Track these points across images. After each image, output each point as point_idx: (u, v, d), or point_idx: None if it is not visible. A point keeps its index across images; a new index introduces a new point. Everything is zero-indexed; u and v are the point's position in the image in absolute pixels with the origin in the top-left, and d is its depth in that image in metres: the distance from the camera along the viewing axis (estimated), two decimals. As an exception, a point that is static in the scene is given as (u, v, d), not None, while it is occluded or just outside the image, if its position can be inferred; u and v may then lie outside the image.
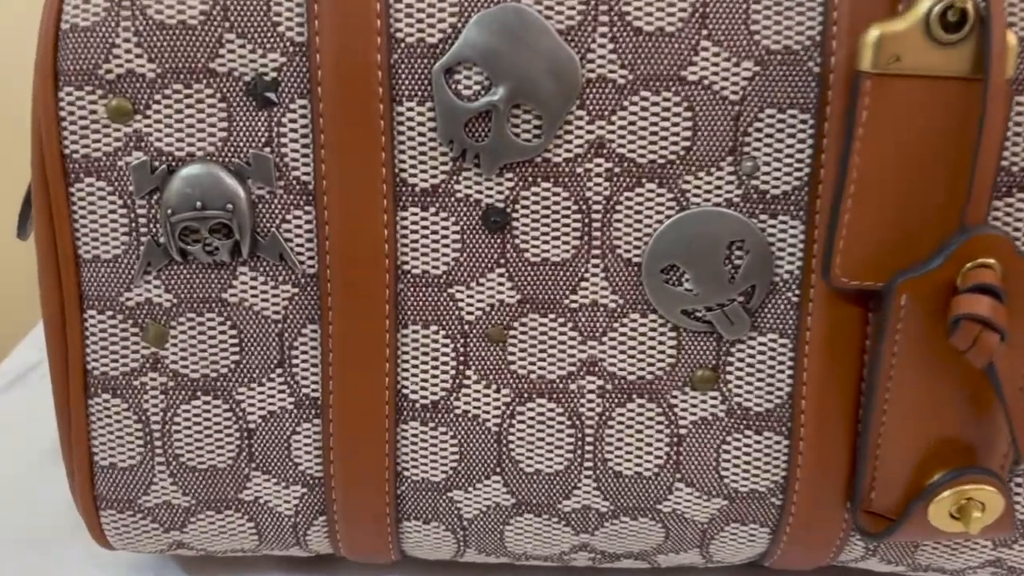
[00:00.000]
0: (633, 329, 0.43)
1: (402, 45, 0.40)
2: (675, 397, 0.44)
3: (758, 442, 0.44)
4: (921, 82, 0.37)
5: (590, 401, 0.44)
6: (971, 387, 0.39)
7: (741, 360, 0.43)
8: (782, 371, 0.43)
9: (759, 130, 0.40)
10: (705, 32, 0.40)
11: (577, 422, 0.44)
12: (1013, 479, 0.43)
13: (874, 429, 0.40)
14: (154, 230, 0.42)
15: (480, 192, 0.41)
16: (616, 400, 0.43)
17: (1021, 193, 0.40)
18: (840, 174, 0.39)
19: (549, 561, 0.47)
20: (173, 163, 0.41)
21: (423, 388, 0.43)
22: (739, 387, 0.43)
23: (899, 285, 0.37)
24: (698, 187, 0.41)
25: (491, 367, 0.43)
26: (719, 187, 0.41)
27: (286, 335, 0.43)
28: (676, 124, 0.40)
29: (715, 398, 0.43)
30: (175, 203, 0.41)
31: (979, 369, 0.38)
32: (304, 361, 0.43)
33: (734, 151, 0.41)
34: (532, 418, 0.44)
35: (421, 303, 0.43)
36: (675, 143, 0.41)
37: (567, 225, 0.42)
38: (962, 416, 0.40)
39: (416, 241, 0.42)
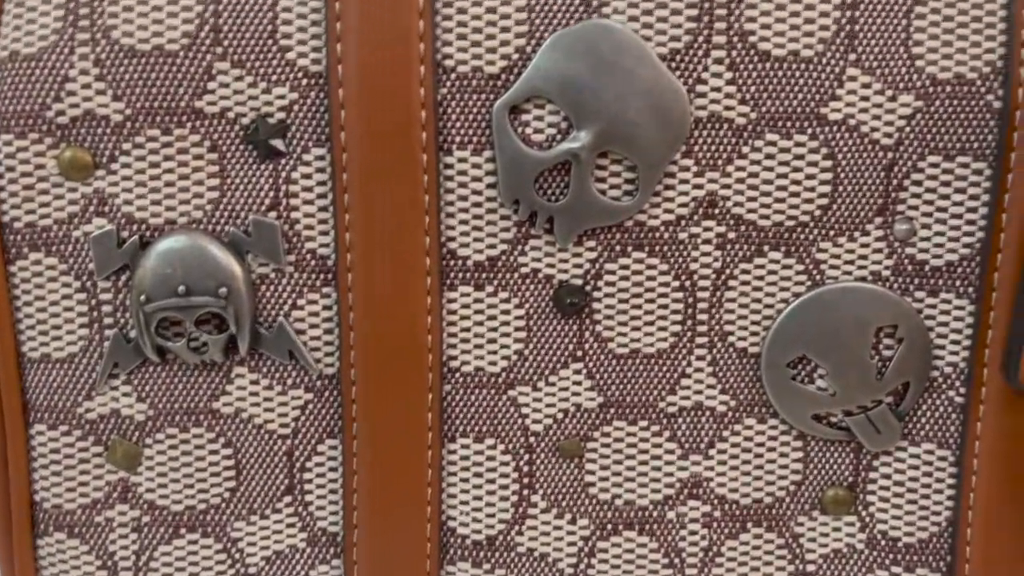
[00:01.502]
0: (748, 439, 0.33)
1: (453, 76, 0.30)
2: (801, 525, 0.34)
3: (909, 582, 0.34)
4: None
5: (693, 533, 0.34)
6: None
7: (887, 477, 0.34)
8: (940, 491, 0.33)
9: (918, 183, 0.31)
10: (853, 57, 0.30)
11: (676, 560, 0.34)
12: None
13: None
14: (122, 321, 0.32)
15: (552, 266, 0.32)
16: (726, 531, 0.34)
17: None
18: (1033, 241, 0.30)
19: None
20: (147, 234, 0.31)
21: (476, 520, 0.34)
22: (884, 511, 0.34)
23: None
24: (837, 256, 0.32)
25: (564, 491, 0.34)
26: (864, 256, 0.32)
27: (297, 454, 0.33)
28: (812, 176, 0.31)
29: (852, 525, 0.34)
30: (150, 287, 0.31)
31: None
32: (320, 487, 0.34)
33: (885, 210, 0.31)
34: (618, 556, 0.34)
35: (474, 410, 0.33)
36: (809, 200, 0.31)
37: (665, 307, 0.32)
38: None
39: (468, 330, 0.32)
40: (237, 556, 0.34)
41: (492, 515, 0.34)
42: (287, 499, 0.34)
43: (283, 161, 0.31)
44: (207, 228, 0.31)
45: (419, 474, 0.33)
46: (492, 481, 0.34)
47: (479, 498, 0.34)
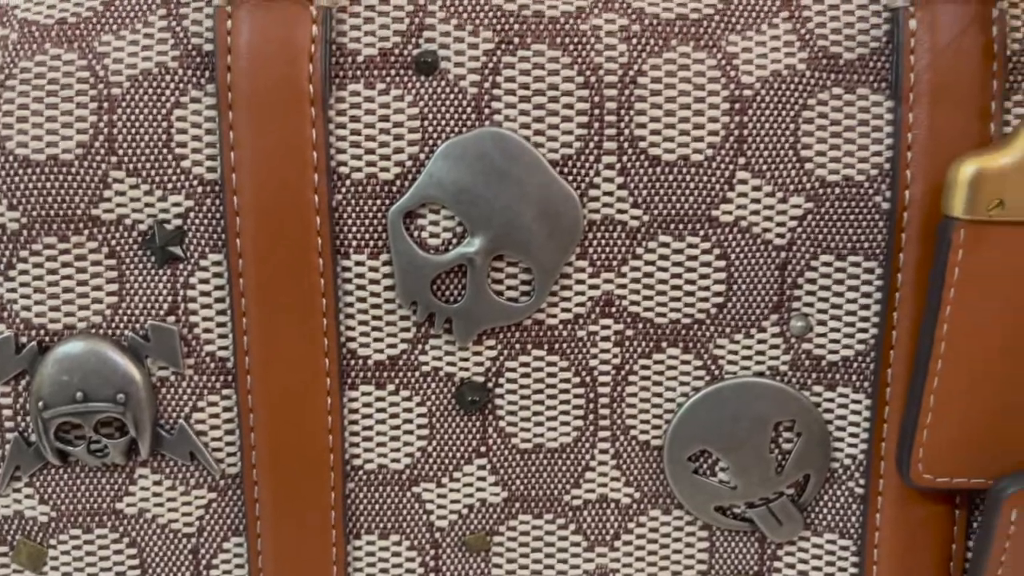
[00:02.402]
0: (653, 530, 0.34)
1: (347, 182, 0.31)
2: (707, 614, 0.34)
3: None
4: (1034, 231, 0.28)
5: (600, 624, 0.34)
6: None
7: (791, 567, 0.34)
8: (844, 580, 0.34)
9: (812, 281, 0.32)
10: (743, 160, 0.31)
11: (583, 652, 0.34)
12: None
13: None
14: (22, 425, 0.32)
15: (453, 364, 0.32)
16: (633, 621, 0.34)
17: None
18: (922, 341, 0.30)
19: None
20: (45, 339, 0.31)
21: (383, 615, 0.34)
22: (789, 600, 0.34)
23: (1008, 497, 0.29)
24: (734, 352, 0.32)
25: (471, 585, 0.34)
26: (762, 352, 0.32)
27: (202, 552, 0.33)
28: (706, 276, 0.32)
29: (758, 614, 0.34)
30: (48, 393, 0.31)
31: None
32: (227, 583, 0.34)
33: (780, 307, 0.32)
34: (525, 648, 0.34)
35: (378, 507, 0.33)
36: (704, 299, 0.32)
37: (567, 402, 0.33)
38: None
39: (371, 428, 0.33)
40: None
41: (399, 610, 0.34)
42: (194, 596, 0.34)
43: (181, 266, 0.31)
44: (106, 333, 0.32)
45: (324, 571, 0.33)
46: (398, 576, 0.34)
47: (386, 593, 0.34)
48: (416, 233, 0.31)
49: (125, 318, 0.32)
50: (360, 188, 0.31)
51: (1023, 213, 0.28)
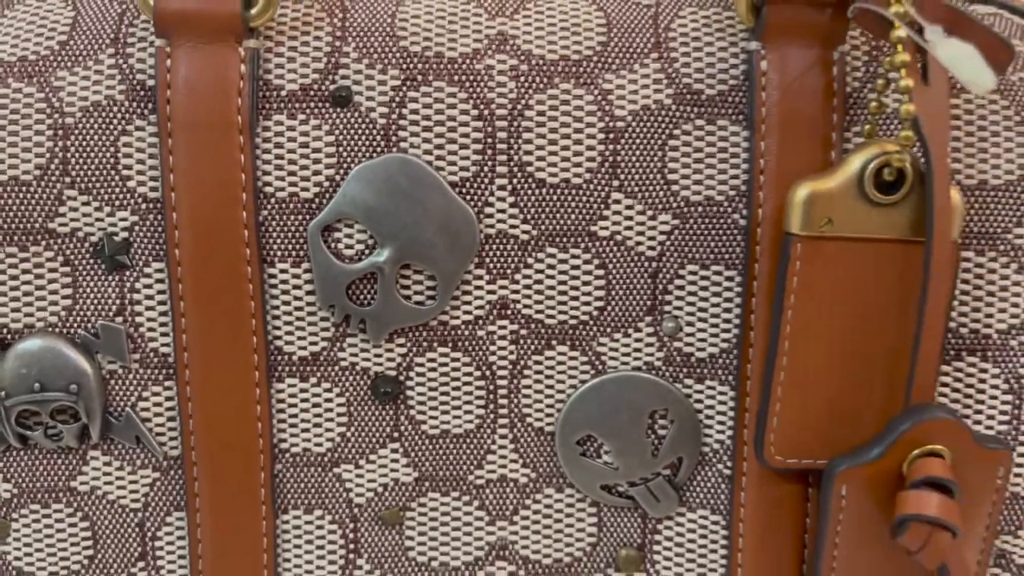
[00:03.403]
0: (548, 506, 0.38)
1: (272, 200, 0.35)
2: (597, 581, 0.39)
3: (691, 630, 0.39)
4: (857, 245, 0.33)
5: (500, 590, 0.39)
6: (924, 580, 0.35)
7: (669, 539, 0.38)
8: (715, 551, 0.38)
9: (681, 287, 0.36)
10: (616, 183, 0.35)
11: (486, 614, 0.39)
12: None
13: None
14: (-12, 412, 0.36)
15: (368, 360, 0.36)
16: (530, 587, 0.39)
17: (972, 357, 0.36)
18: (771, 340, 0.35)
19: None
20: (7, 337, 0.35)
21: (308, 581, 0.38)
22: (667, 569, 0.38)
23: (838, 474, 0.33)
24: (615, 350, 0.37)
25: (386, 554, 0.38)
26: (639, 349, 0.37)
27: (148, 525, 0.37)
28: (587, 283, 0.36)
29: (641, 581, 0.39)
30: (9, 384, 0.35)
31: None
32: (170, 553, 0.38)
33: (653, 310, 0.36)
34: (434, 611, 0.39)
35: (303, 486, 0.37)
36: (587, 303, 0.36)
37: (469, 393, 0.37)
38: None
39: (295, 416, 0.37)
40: (96, 615, 0.38)
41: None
42: (140, 564, 0.38)
43: (127, 274, 0.36)
44: (61, 331, 0.36)
45: (255, 542, 0.37)
46: (321, 547, 0.38)
47: (310, 562, 0.38)
48: (333, 245, 0.35)
49: (78, 318, 0.36)
50: (283, 205, 0.35)
51: (848, 229, 0.33)
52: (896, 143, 0.32)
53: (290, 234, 0.35)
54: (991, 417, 0.36)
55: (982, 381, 0.36)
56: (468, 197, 0.35)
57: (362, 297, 0.36)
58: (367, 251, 0.35)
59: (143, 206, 0.35)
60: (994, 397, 0.36)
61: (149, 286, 0.36)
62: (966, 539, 0.34)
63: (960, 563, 0.33)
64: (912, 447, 0.32)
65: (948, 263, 0.32)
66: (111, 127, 0.35)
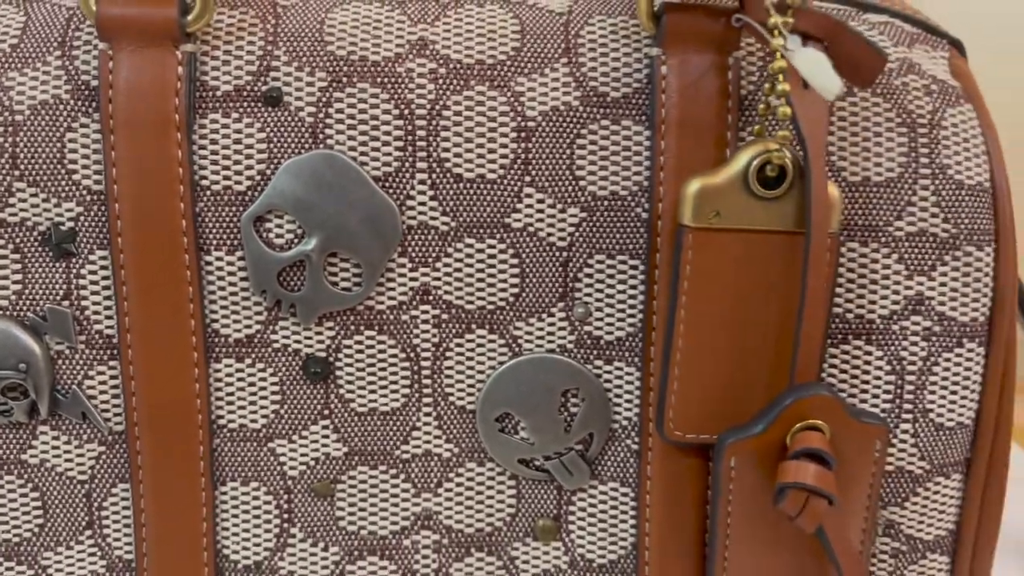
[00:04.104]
0: (470, 479, 0.41)
1: (208, 193, 0.38)
2: (516, 549, 0.41)
3: (603, 595, 0.42)
4: (743, 236, 0.35)
5: (425, 557, 0.41)
6: (806, 545, 0.38)
7: (583, 510, 0.41)
8: (625, 521, 0.41)
9: (589, 275, 0.39)
10: (528, 179, 0.38)
11: (411, 579, 0.41)
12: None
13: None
14: (-57, 389, 0.39)
15: (299, 342, 0.39)
16: (454, 555, 0.41)
17: (857, 340, 0.39)
18: (667, 324, 0.37)
19: None
20: (-39, 319, 0.38)
21: (245, 548, 0.41)
22: (581, 538, 0.41)
23: (727, 447, 0.36)
24: (530, 333, 0.39)
25: (318, 524, 0.41)
26: (552, 333, 0.39)
27: (94, 496, 0.40)
28: (503, 271, 0.39)
29: (558, 549, 0.41)
30: (-38, 363, 0.38)
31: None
32: (116, 522, 0.40)
33: (565, 297, 0.39)
34: (363, 576, 0.41)
35: (239, 459, 0.40)
36: (504, 289, 0.39)
37: (395, 373, 0.40)
38: (800, 573, 0.38)
39: (232, 394, 0.39)
40: (47, 581, 0.41)
41: (259, 544, 0.41)
42: (88, 532, 0.41)
43: (73, 261, 0.38)
44: (11, 314, 0.38)
45: (195, 512, 0.40)
46: (258, 517, 0.41)
47: (247, 531, 0.41)
48: (264, 234, 0.38)
49: (27, 302, 0.38)
50: (218, 197, 0.38)
51: (735, 222, 0.36)
52: (776, 141, 0.35)
53: (225, 224, 0.38)
54: (876, 396, 0.39)
55: (867, 363, 0.39)
56: (390, 191, 0.38)
57: (292, 283, 0.38)
58: (296, 240, 0.38)
59: (88, 198, 0.38)
60: (878, 378, 0.39)
61: (94, 272, 0.38)
62: (846, 507, 0.37)
63: (838, 527, 0.35)
64: (794, 421, 0.35)
65: (826, 253, 0.35)
66: (58, 124, 0.37)
